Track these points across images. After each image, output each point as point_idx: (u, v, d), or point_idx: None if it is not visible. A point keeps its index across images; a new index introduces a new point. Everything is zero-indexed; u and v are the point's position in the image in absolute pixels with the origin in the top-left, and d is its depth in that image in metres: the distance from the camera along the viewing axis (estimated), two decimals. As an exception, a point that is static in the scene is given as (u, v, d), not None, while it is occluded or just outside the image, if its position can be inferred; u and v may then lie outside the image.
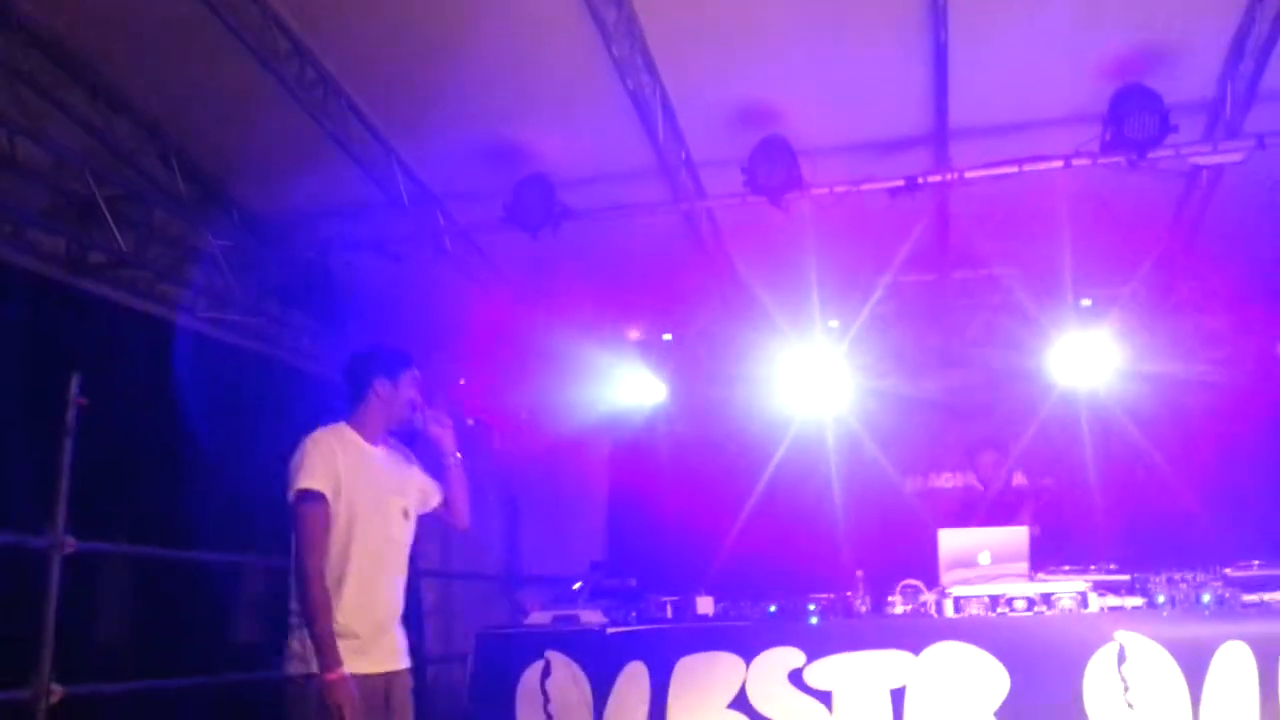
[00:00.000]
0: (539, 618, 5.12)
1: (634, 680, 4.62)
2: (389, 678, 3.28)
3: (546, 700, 4.70)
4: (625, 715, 4.59)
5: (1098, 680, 4.23)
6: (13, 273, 5.00)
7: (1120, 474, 6.83)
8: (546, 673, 4.74)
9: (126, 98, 5.21)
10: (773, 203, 5.46)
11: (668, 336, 7.20)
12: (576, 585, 5.46)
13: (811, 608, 4.73)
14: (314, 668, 3.06)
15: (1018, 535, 4.69)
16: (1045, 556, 4.99)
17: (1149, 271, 6.69)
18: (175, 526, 5.17)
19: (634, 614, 4.96)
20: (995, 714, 4.26)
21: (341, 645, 3.08)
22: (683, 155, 5.77)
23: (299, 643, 3.13)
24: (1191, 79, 5.06)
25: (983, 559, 4.60)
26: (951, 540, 4.69)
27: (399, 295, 6.89)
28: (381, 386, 3.36)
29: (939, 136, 5.43)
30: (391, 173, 5.87)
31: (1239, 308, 6.71)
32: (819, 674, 4.46)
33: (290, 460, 3.21)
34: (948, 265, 6.60)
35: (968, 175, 5.45)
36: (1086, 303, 6.56)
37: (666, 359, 7.30)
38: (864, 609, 4.80)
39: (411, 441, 3.57)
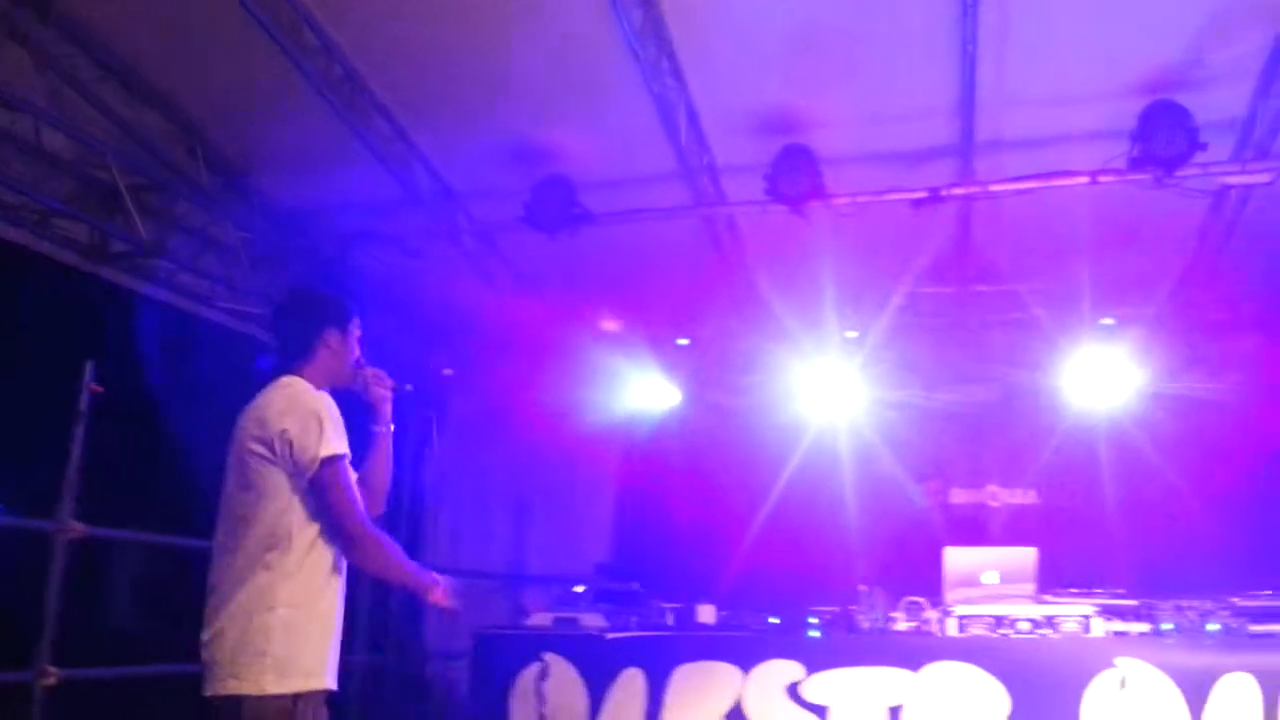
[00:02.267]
0: (540, 619, 5.12)
1: (631, 686, 4.61)
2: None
3: (542, 702, 4.70)
4: (620, 718, 4.58)
5: (1096, 705, 4.17)
6: (35, 260, 5.06)
7: (1135, 496, 6.73)
8: (544, 675, 4.74)
9: (158, 91, 5.26)
10: (794, 211, 5.43)
11: (684, 341, 7.17)
12: (579, 588, 5.45)
13: (813, 621, 4.69)
14: (303, 683, 2.62)
15: (1025, 555, 4.63)
16: (1054, 577, 4.94)
17: (1172, 291, 6.59)
18: (185, 515, 5.21)
19: (634, 619, 4.95)
20: (994, 736, 4.21)
21: (325, 658, 2.71)
22: (705, 160, 5.74)
23: (280, 646, 2.59)
24: (1223, 98, 4.97)
25: (988, 578, 4.55)
26: (957, 558, 4.65)
27: (416, 292, 6.93)
28: (332, 338, 2.95)
29: (964, 149, 5.37)
30: (413, 170, 5.89)
31: (1263, 331, 6.59)
32: (817, 688, 4.43)
33: (298, 422, 2.71)
34: (968, 279, 6.53)
35: (992, 189, 5.40)
36: (1108, 321, 6.46)
37: (682, 364, 7.27)
38: (867, 624, 4.76)
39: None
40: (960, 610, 4.43)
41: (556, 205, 5.50)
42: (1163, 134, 4.70)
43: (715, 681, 4.54)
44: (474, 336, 7.50)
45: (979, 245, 6.28)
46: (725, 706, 4.50)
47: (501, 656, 4.88)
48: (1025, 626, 4.35)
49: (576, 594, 5.44)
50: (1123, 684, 4.21)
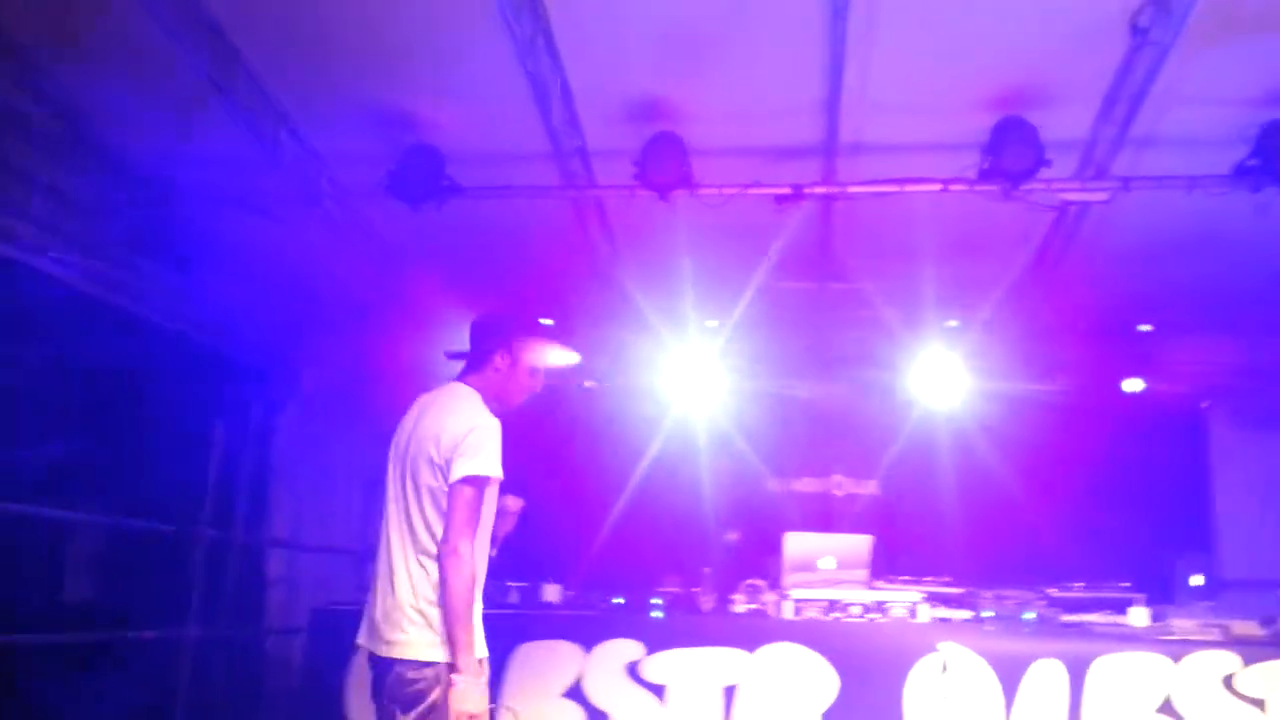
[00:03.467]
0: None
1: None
2: None
3: (380, 679, 4.61)
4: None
5: (919, 687, 4.38)
6: None
7: (969, 491, 7.10)
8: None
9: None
10: (661, 198, 5.48)
11: (548, 322, 7.12)
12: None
13: (656, 601, 4.77)
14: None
15: (860, 543, 4.83)
16: (890, 565, 5.16)
17: (1011, 297, 6.97)
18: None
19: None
20: (823, 715, 4.38)
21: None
22: (576, 142, 5.72)
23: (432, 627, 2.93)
24: (1068, 118, 5.26)
25: (825, 563, 4.72)
26: (796, 543, 4.80)
27: (274, 257, 6.68)
28: (502, 361, 3.11)
29: (828, 149, 5.51)
30: (273, 128, 5.66)
31: (1090, 340, 7.04)
32: (656, 667, 4.51)
33: (467, 435, 2.89)
34: (825, 276, 6.73)
35: (851, 190, 5.58)
36: (952, 324, 6.77)
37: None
38: (708, 606, 4.86)
39: None
40: (796, 594, 4.58)
41: (423, 176, 5.39)
42: (1011, 149, 4.94)
43: (557, 660, 4.56)
44: (331, 305, 7.29)
45: (837, 244, 6.48)
46: (565, 684, 4.53)
47: (340, 633, 4.74)
48: (856, 611, 4.54)
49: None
50: (944, 668, 4.44)
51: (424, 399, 3.14)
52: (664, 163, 5.26)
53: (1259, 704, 4.46)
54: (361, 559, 7.80)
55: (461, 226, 6.27)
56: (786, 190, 5.41)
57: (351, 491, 7.92)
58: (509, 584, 4.96)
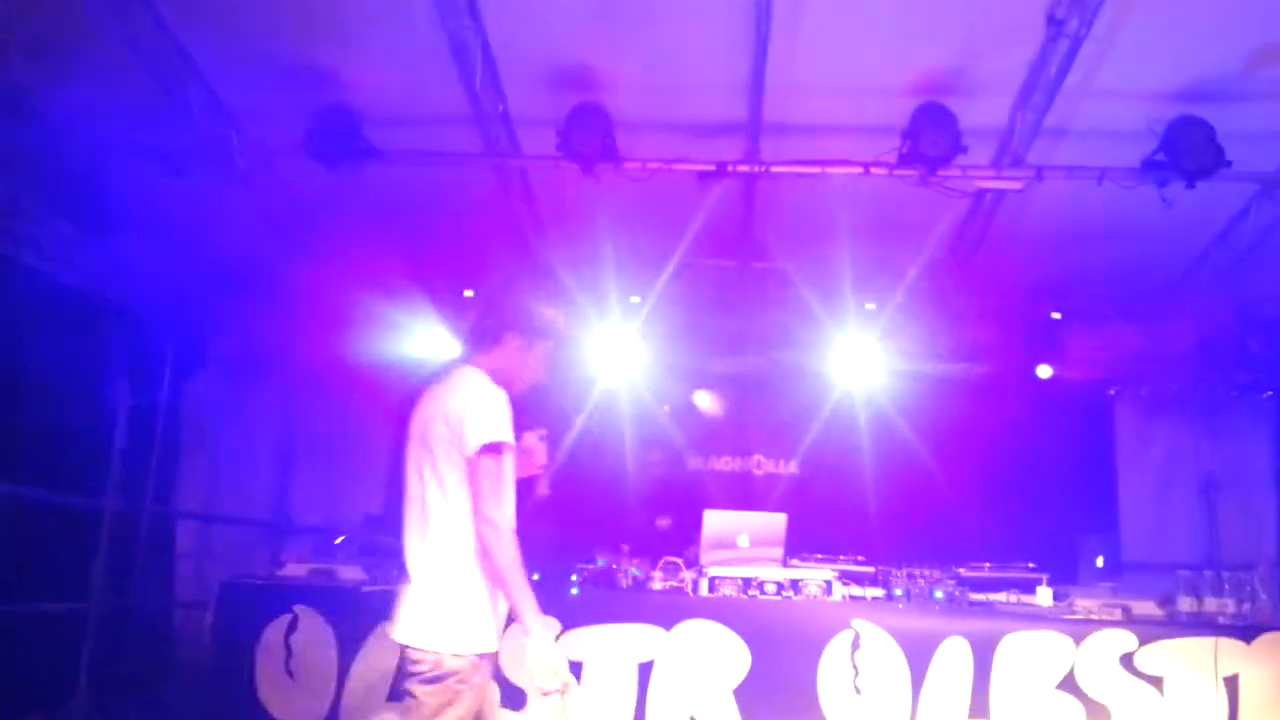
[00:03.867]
0: (294, 570, 4.91)
1: (384, 640, 4.49)
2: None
3: (289, 655, 4.53)
4: (371, 675, 4.48)
5: (832, 665, 4.45)
6: None
7: (885, 471, 7.21)
8: (293, 628, 4.56)
9: None
10: (584, 170, 5.41)
11: (469, 293, 7.02)
12: (339, 539, 5.27)
13: (574, 579, 4.75)
14: (479, 645, 2.90)
15: (775, 521, 4.86)
16: (807, 544, 5.22)
17: (927, 281, 7.08)
18: None
19: (396, 573, 4.82)
20: (734, 692, 4.41)
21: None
22: (500, 108, 5.61)
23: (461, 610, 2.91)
24: (986, 106, 5.34)
25: (742, 541, 4.75)
26: (715, 521, 4.82)
27: (184, 215, 6.42)
28: (512, 342, 3.11)
29: (752, 128, 5.51)
30: (183, 80, 5.43)
31: (1004, 326, 7.19)
32: (573, 644, 4.49)
33: (472, 406, 2.91)
34: (749, 254, 6.75)
35: (774, 169, 5.58)
36: (870, 306, 6.86)
37: (464, 316, 7.12)
38: (626, 582, 4.86)
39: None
40: (713, 571, 4.61)
41: (339, 137, 5.24)
42: (929, 135, 4.99)
43: (472, 637, 4.51)
44: (245, 268, 7.07)
45: (761, 223, 6.50)
46: (480, 662, 4.49)
47: (249, 607, 4.65)
48: (771, 589, 4.58)
49: (336, 545, 5.26)
50: (856, 645, 4.51)
51: (433, 386, 3.15)
52: (587, 134, 5.20)
53: (1156, 682, 4.64)
54: (276, 531, 7.64)
55: (382, 190, 6.10)
56: (710, 167, 5.40)
57: (267, 461, 7.72)
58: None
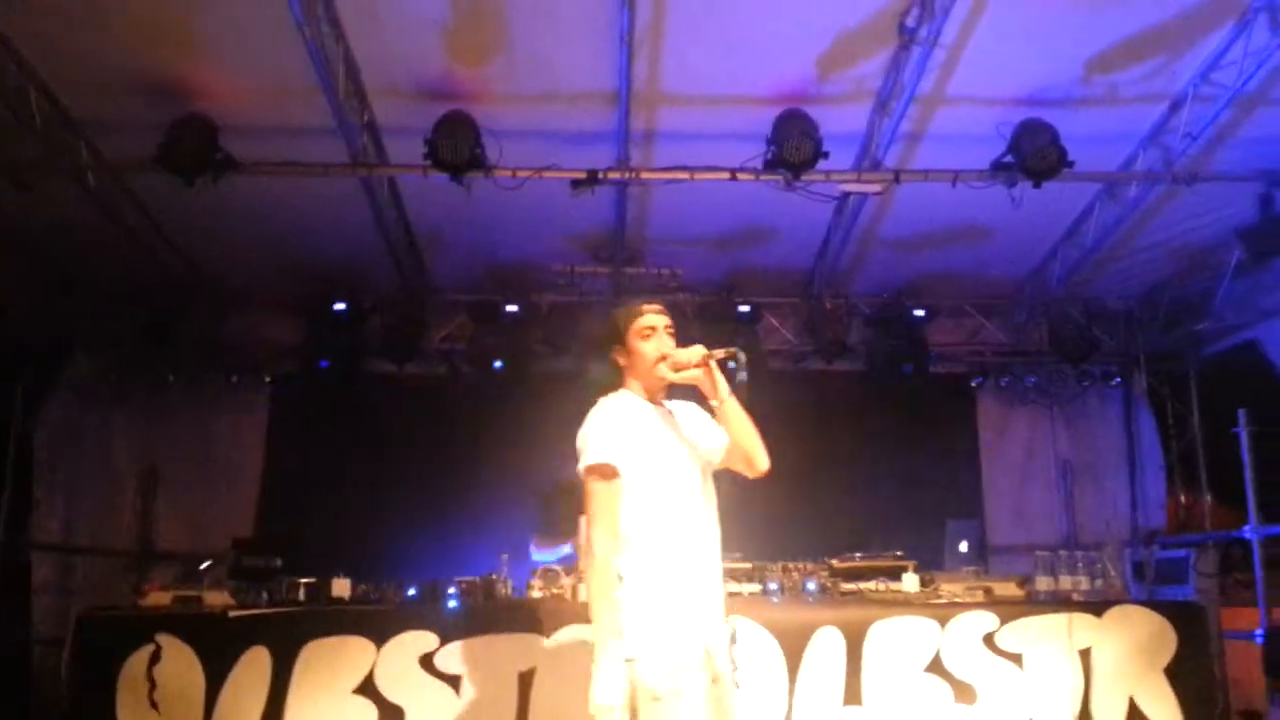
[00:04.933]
0: (157, 598, 4.72)
1: (254, 666, 4.37)
2: None
3: (153, 687, 4.34)
4: (240, 703, 4.33)
5: (711, 663, 4.51)
6: None
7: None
8: (156, 658, 4.37)
9: None
10: (454, 179, 5.37)
11: (341, 305, 6.87)
12: (205, 565, 5.09)
13: (451, 591, 4.69)
14: None
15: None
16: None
17: (799, 282, 7.28)
18: None
19: (264, 596, 4.69)
20: (615, 695, 4.42)
21: None
22: (365, 118, 5.53)
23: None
24: (847, 113, 5.52)
25: (620, 546, 4.76)
26: (592, 527, 4.81)
27: (32, 231, 6.12)
28: (619, 357, 3.07)
29: (621, 135, 5.55)
30: (24, 91, 5.17)
31: (873, 324, 7.42)
32: (449, 658, 4.44)
33: (580, 435, 2.96)
34: (623, 260, 6.81)
35: (644, 176, 5.65)
36: (745, 308, 6.99)
37: (337, 330, 6.97)
38: (505, 593, 4.83)
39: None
40: (592, 577, 4.61)
41: (195, 148, 5.06)
42: (792, 140, 5.12)
43: (347, 656, 4.41)
44: (101, 284, 6.76)
45: (633, 228, 6.56)
46: (356, 681, 4.39)
47: (108, 640, 4.44)
48: (650, 591, 4.60)
49: (200, 571, 5.07)
50: (733, 639, 4.57)
51: None
52: (455, 142, 5.16)
53: (1017, 658, 4.87)
54: (141, 560, 7.30)
55: (246, 203, 5.95)
56: (581, 175, 5.42)
57: (130, 488, 7.38)
58: (296, 580, 4.75)
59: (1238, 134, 5.59)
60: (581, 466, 2.92)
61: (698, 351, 3.02)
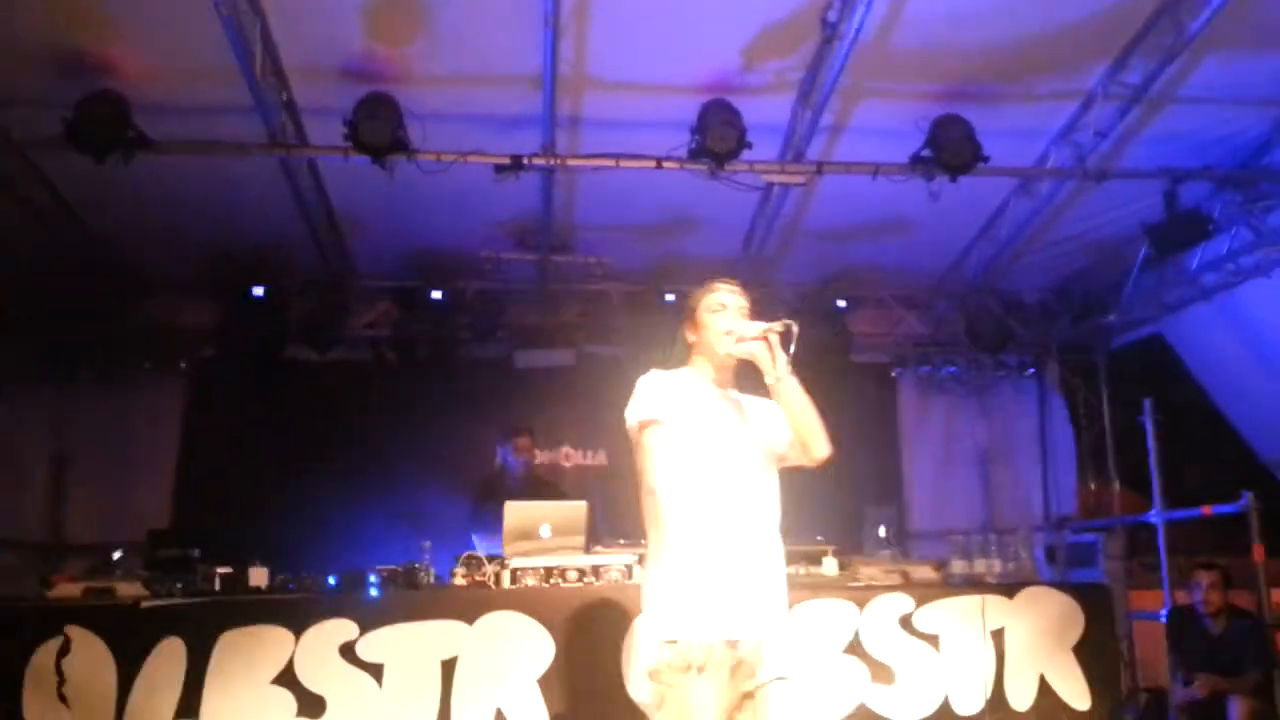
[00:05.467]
0: (65, 589, 4.57)
1: (168, 657, 4.26)
2: None
3: (62, 680, 4.19)
4: (154, 695, 4.21)
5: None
6: None
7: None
8: (64, 650, 4.23)
9: None
10: (375, 162, 5.30)
11: (259, 290, 6.72)
12: (116, 554, 4.95)
13: (373, 579, 4.64)
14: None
15: (576, 509, 4.90)
16: (618, 531, 5.30)
17: (726, 272, 7.29)
18: None
19: (178, 586, 4.58)
20: (538, 681, 4.43)
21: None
22: (284, 97, 5.41)
23: None
24: (771, 105, 5.58)
25: (543, 531, 4.77)
26: (516, 513, 4.81)
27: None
28: (687, 335, 3.04)
29: (548, 121, 5.53)
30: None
31: (797, 314, 7.48)
32: (371, 646, 4.38)
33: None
34: (550, 247, 6.79)
35: (570, 163, 5.65)
36: (670, 296, 7.03)
37: (256, 315, 6.82)
38: (427, 580, 4.80)
39: None
40: (515, 563, 4.60)
41: (105, 125, 4.91)
42: (716, 129, 5.16)
43: (264, 646, 4.32)
44: (8, 267, 6.51)
45: (560, 215, 6.55)
46: (275, 671, 4.30)
47: (12, 633, 4.28)
48: (574, 576, 4.62)
49: (112, 562, 4.92)
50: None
51: None
52: (377, 124, 5.10)
53: (933, 640, 4.98)
54: (51, 552, 7.06)
55: (161, 183, 5.79)
56: (505, 160, 5.40)
57: (36, 475, 7.12)
58: (212, 570, 4.64)
59: (1145, 132, 5.80)
60: (628, 426, 2.94)
61: (757, 326, 2.96)
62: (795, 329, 2.93)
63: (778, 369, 2.93)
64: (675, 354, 3.10)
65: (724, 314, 3.01)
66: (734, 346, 2.97)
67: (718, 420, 2.95)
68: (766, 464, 3.00)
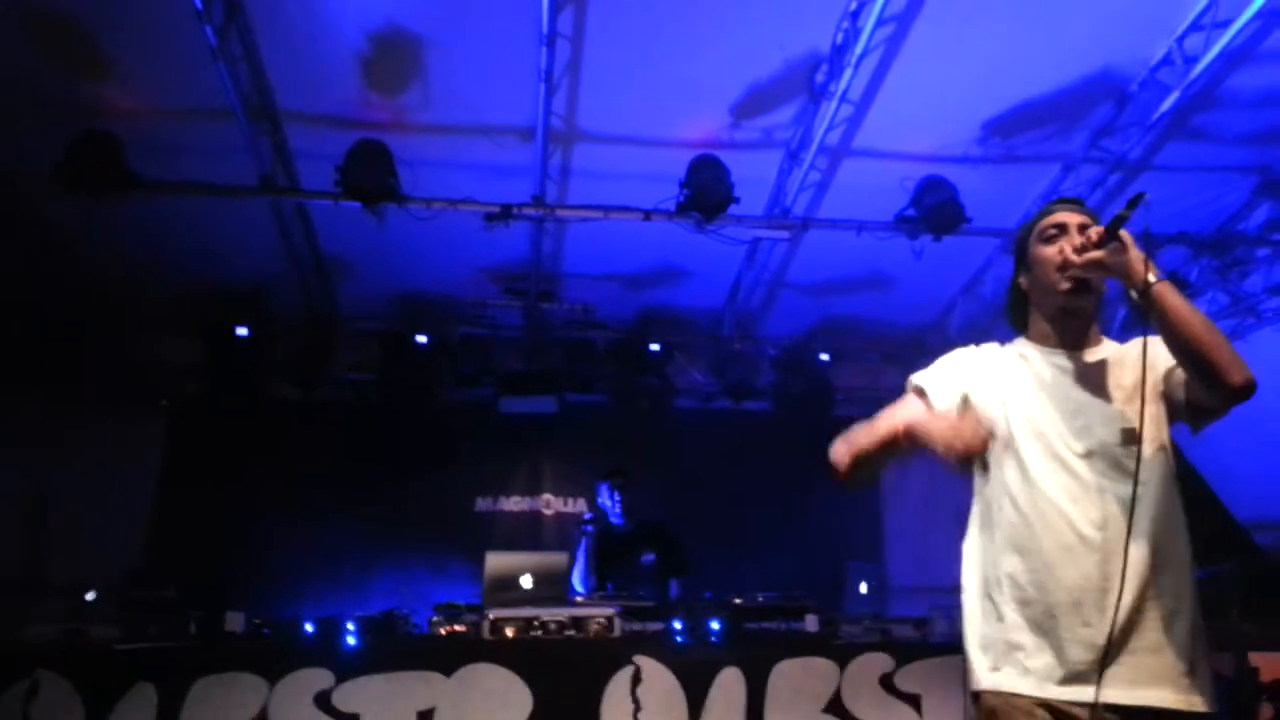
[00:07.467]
0: (37, 631, 4.50)
1: (139, 703, 4.19)
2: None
3: (29, 726, 4.13)
4: (123, 740, 4.15)
5: (613, 701, 4.49)
6: None
7: (678, 505, 7.28)
8: (33, 693, 4.16)
9: None
10: (365, 208, 5.35)
11: (243, 331, 6.70)
12: (90, 595, 4.88)
13: (350, 627, 4.59)
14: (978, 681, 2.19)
15: (558, 561, 4.89)
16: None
17: (712, 323, 7.37)
18: None
19: (154, 629, 4.51)
20: (515, 734, 4.38)
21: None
22: (276, 141, 5.46)
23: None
24: (759, 162, 5.67)
25: (524, 581, 4.74)
26: (496, 563, 4.79)
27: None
28: (1023, 280, 2.25)
29: (539, 171, 5.60)
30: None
31: (781, 367, 7.55)
32: (347, 696, 4.32)
33: None
34: (536, 295, 6.82)
35: (559, 212, 5.71)
36: (655, 346, 7.05)
37: (239, 355, 6.79)
38: (407, 629, 4.75)
39: None
40: (495, 613, 4.56)
41: (98, 165, 4.94)
42: (705, 184, 5.24)
43: (238, 694, 4.26)
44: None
45: (547, 263, 6.60)
46: (247, 719, 4.26)
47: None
48: (554, 627, 4.58)
49: (86, 603, 4.85)
50: (638, 679, 4.57)
51: None
52: (369, 170, 5.16)
53: (914, 699, 4.94)
54: (27, 592, 6.92)
55: (152, 224, 5.82)
56: (495, 209, 5.45)
57: (12, 515, 7.01)
58: (187, 614, 4.58)
59: (1123, 198, 5.90)
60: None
61: (1099, 230, 2.07)
62: (1146, 197, 2.02)
63: (1138, 274, 2.04)
64: (1013, 317, 2.34)
65: (1062, 240, 2.16)
66: (1078, 269, 2.11)
67: (1040, 415, 2.20)
68: (1153, 445, 2.14)
